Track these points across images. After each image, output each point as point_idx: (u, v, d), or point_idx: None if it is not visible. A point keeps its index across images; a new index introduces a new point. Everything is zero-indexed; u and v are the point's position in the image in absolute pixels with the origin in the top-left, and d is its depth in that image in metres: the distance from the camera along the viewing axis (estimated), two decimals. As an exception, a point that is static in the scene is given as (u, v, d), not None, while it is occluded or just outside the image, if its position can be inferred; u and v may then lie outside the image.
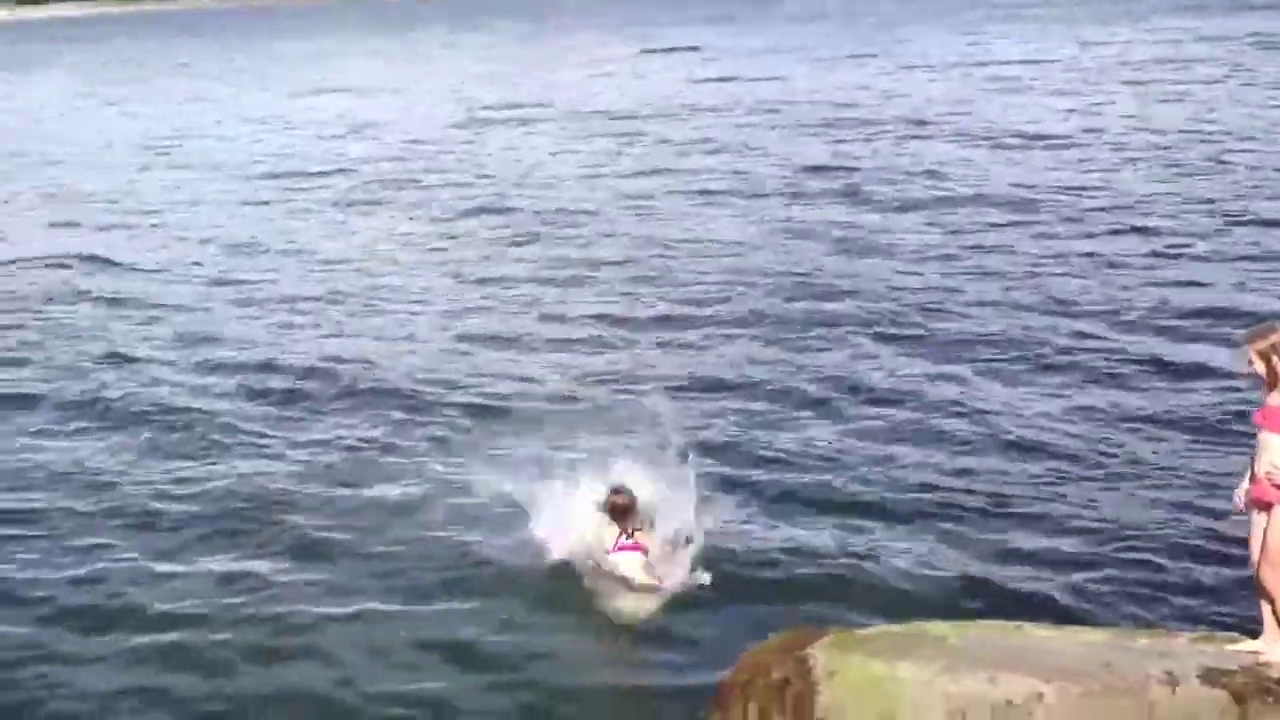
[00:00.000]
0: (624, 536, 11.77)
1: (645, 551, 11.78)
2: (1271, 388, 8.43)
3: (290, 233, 27.92)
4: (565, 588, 11.62)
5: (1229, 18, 56.45)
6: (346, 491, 14.05)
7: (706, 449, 14.21)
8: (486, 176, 32.82)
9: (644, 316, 19.97)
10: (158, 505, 13.99)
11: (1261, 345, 8.41)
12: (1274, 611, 8.57)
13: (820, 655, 8.67)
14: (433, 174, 33.95)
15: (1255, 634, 8.78)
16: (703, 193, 29.04)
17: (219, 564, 12.66)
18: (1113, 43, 46.63)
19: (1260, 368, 8.42)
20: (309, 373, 17.93)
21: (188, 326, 20.71)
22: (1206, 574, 11.42)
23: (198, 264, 25.27)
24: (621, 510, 11.77)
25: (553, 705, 10.25)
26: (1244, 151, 29.42)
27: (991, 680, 8.34)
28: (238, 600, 11.91)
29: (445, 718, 10.16)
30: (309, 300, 22.02)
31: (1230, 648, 8.79)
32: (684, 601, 11.21)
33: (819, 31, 60.52)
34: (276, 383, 17.66)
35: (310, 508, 13.71)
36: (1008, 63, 48.50)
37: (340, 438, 15.60)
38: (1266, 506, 8.47)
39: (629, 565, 11.63)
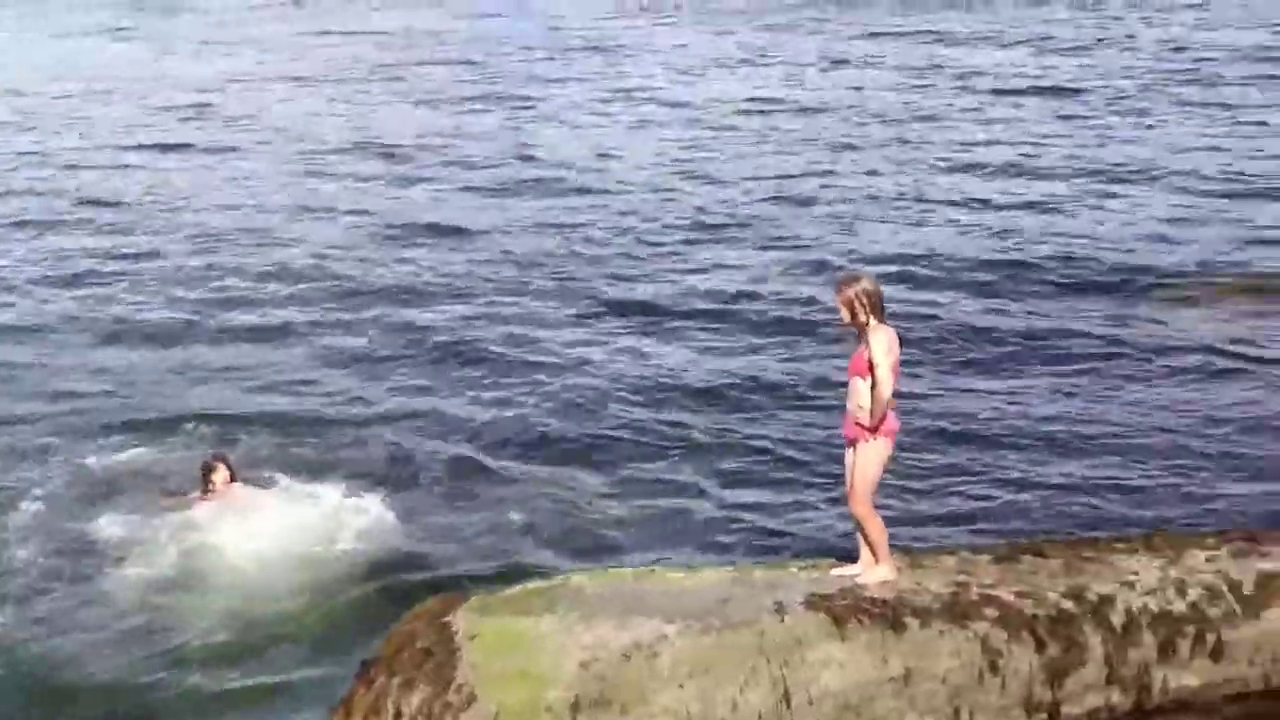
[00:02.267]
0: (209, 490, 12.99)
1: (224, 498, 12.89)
2: (859, 335, 9.33)
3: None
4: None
5: None
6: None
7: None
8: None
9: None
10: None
11: (847, 294, 9.27)
12: (864, 538, 9.55)
13: (462, 619, 9.12)
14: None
15: (856, 558, 9.74)
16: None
17: None
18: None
19: (846, 315, 9.30)
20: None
21: None
22: (825, 505, 12.49)
23: None
24: (206, 469, 13.02)
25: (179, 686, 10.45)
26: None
27: (621, 626, 8.98)
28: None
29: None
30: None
31: (833, 572, 9.70)
32: (335, 578, 11.59)
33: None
34: None
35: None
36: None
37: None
38: (854, 442, 9.42)
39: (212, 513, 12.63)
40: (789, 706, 8.70)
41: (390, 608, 10.55)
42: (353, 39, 46.52)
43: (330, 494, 12.91)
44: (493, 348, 17.09)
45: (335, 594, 11.47)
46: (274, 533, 12.24)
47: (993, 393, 15.29)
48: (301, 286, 19.98)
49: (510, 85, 36.26)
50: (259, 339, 17.98)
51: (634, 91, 34.58)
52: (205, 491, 12.94)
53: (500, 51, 42.20)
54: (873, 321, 9.18)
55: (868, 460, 9.27)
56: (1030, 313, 17.61)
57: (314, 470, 13.59)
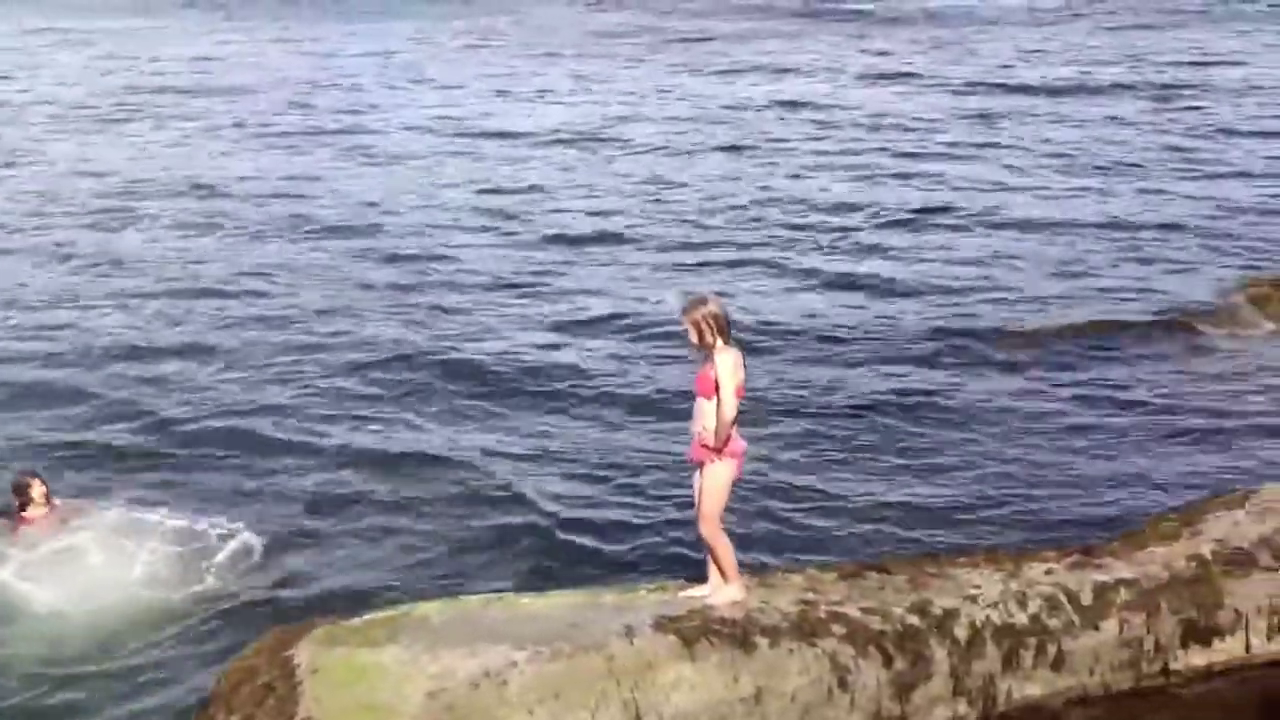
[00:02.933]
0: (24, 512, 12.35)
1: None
2: (707, 356, 9.35)
3: None
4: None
5: None
6: None
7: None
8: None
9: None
10: None
11: (694, 316, 9.30)
12: (713, 559, 9.55)
13: (304, 653, 8.88)
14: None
15: (705, 579, 9.72)
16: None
17: None
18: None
19: (694, 337, 9.32)
20: None
21: None
22: (672, 527, 12.50)
23: None
24: (19, 488, 12.37)
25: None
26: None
27: (470, 654, 8.84)
28: None
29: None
30: None
31: (682, 594, 9.70)
32: (169, 609, 11.19)
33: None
34: None
35: None
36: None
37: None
38: (700, 464, 9.43)
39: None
40: (641, 729, 8.65)
41: (227, 641, 10.28)
42: (154, 66, 44.77)
43: (162, 522, 12.39)
44: (300, 402, 16.44)
45: (169, 627, 11.04)
46: (101, 559, 11.70)
47: (834, 421, 15.49)
48: (76, 340, 18.75)
49: (322, 117, 35.12)
50: (44, 397, 16.77)
51: (459, 121, 34.05)
52: (20, 514, 12.24)
53: (317, 81, 41.16)
54: (719, 343, 9.24)
55: (715, 481, 9.28)
56: (863, 350, 17.75)
57: (147, 499, 13.11)
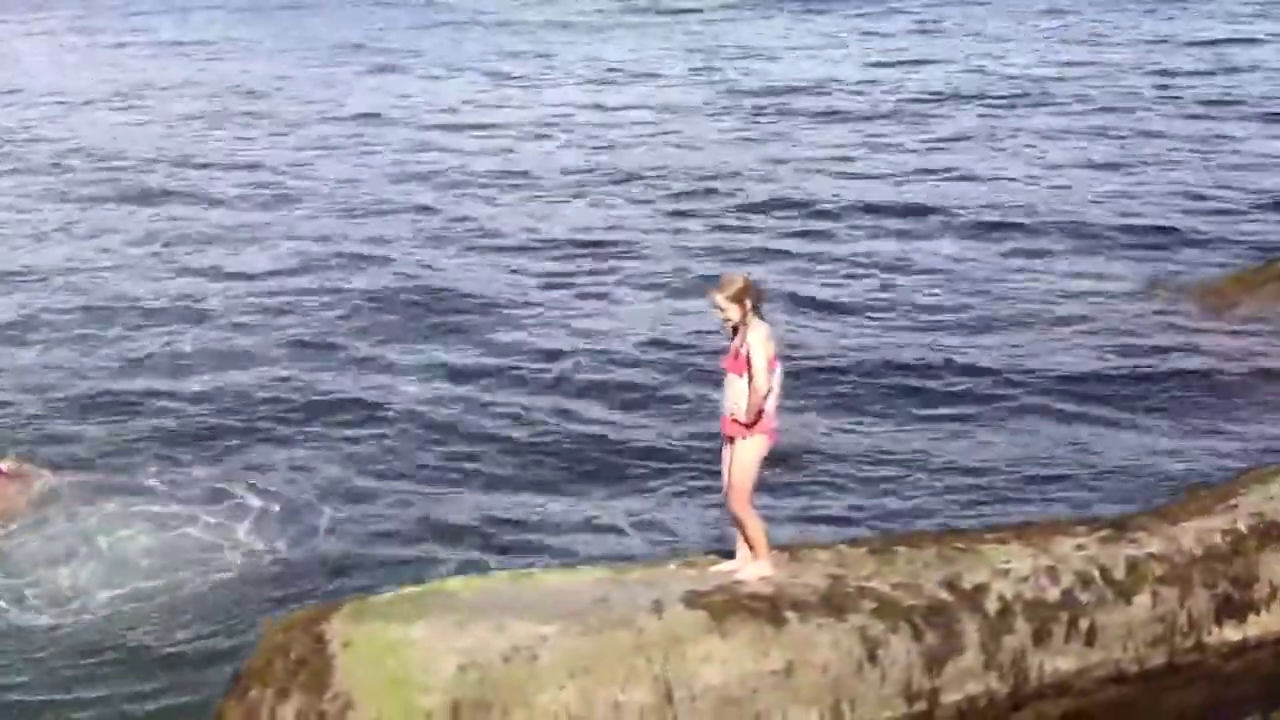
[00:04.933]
0: None
1: None
2: (735, 333, 9.34)
3: None
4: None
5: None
6: None
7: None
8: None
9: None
10: None
11: (731, 292, 9.25)
12: (743, 534, 9.53)
13: (335, 627, 8.89)
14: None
15: (734, 555, 9.71)
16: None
17: None
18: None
19: (735, 314, 9.25)
20: None
21: None
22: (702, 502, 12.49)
23: None
24: None
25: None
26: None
27: (499, 629, 8.85)
28: None
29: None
30: None
31: (711, 569, 9.69)
32: (195, 585, 11.27)
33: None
34: None
35: None
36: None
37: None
38: (732, 440, 9.42)
39: None
40: (671, 703, 8.65)
41: (257, 617, 10.30)
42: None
43: (179, 496, 12.47)
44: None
45: (197, 604, 11.11)
46: (112, 536, 11.78)
47: (862, 398, 15.49)
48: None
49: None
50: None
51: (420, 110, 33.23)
52: None
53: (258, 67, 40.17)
54: (753, 318, 9.21)
55: (746, 457, 9.27)
56: (892, 327, 17.69)
57: (167, 473, 13.25)
